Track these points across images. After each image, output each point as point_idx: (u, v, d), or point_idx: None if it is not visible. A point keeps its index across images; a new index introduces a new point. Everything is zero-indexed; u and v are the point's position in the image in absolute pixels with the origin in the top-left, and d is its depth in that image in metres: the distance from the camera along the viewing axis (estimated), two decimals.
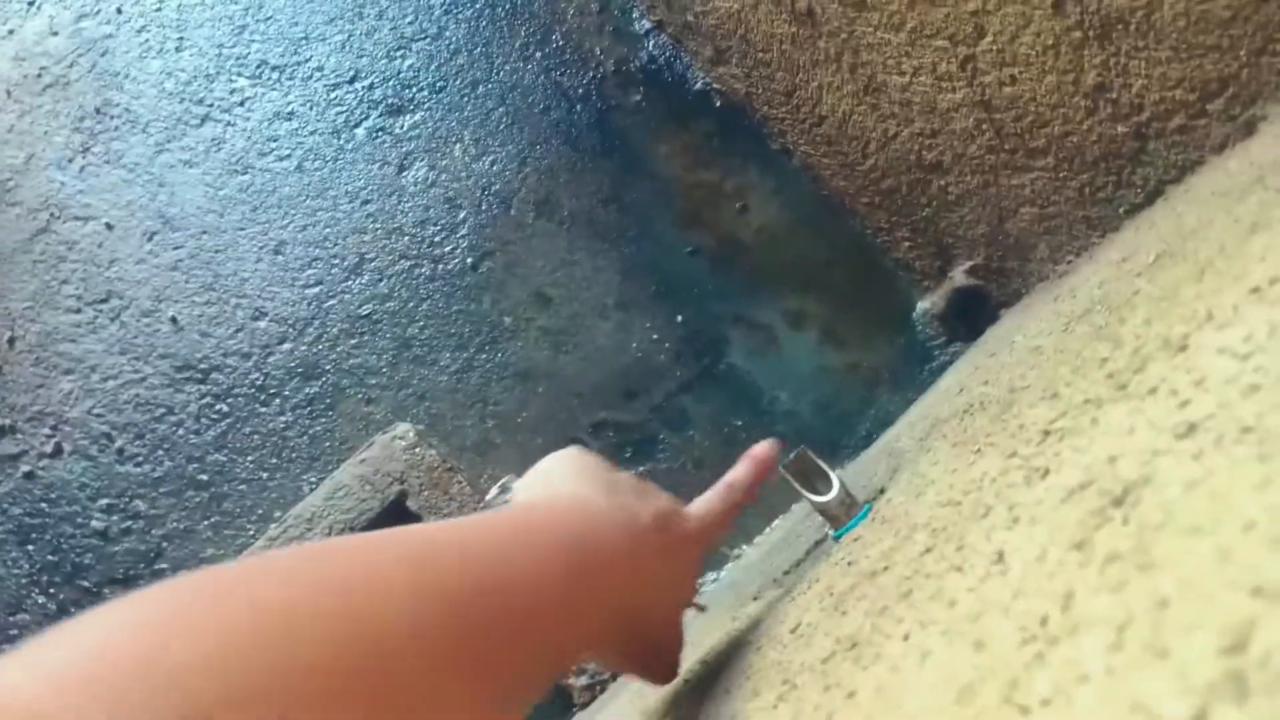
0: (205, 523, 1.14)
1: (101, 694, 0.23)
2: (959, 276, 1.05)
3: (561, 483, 0.50)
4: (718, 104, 1.14)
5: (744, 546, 1.06)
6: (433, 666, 0.31)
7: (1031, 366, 0.58)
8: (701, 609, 0.59)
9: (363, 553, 0.33)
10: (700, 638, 0.71)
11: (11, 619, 1.14)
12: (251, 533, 1.13)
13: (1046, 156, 0.89)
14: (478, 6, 1.19)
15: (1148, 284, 0.52)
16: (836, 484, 0.61)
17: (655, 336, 1.12)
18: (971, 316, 1.06)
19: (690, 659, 0.65)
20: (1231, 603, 0.17)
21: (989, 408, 0.57)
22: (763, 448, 0.62)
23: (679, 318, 1.12)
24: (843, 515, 0.61)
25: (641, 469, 1.09)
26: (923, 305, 1.08)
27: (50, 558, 1.15)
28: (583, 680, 1.00)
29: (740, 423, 1.10)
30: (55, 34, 1.28)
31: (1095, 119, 0.83)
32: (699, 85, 1.15)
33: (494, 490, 0.55)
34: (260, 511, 1.13)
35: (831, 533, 0.62)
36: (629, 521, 0.47)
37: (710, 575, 1.06)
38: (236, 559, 1.11)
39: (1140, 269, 0.59)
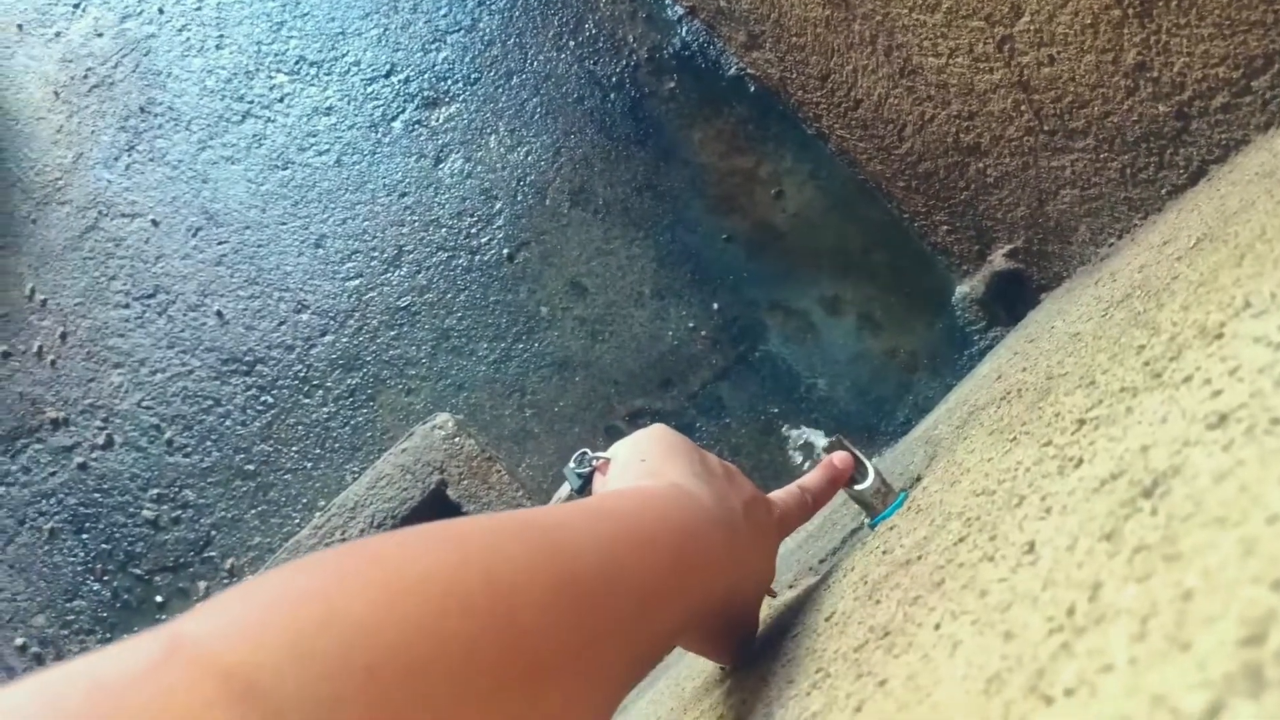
0: (252, 511, 1.17)
1: (290, 644, 0.25)
2: (998, 260, 1.04)
3: (659, 467, 0.50)
4: (752, 89, 1.14)
5: None
6: (560, 650, 0.32)
7: (1070, 353, 0.57)
8: (774, 595, 0.59)
9: (498, 536, 0.34)
10: None
11: (69, 605, 1.18)
12: (297, 521, 1.15)
13: (1086, 137, 0.88)
14: None
15: (1187, 268, 0.51)
16: (872, 472, 0.61)
17: (691, 324, 1.13)
18: (1011, 300, 1.05)
19: None
20: (1252, 595, 0.17)
21: (1026, 395, 0.57)
22: (841, 457, 0.62)
23: (715, 305, 1.12)
24: (878, 503, 0.61)
25: None
26: (961, 289, 1.07)
27: (104, 546, 1.19)
28: None
29: (777, 410, 1.10)
30: (100, 35, 1.31)
31: (1136, 98, 0.82)
32: (733, 71, 1.14)
33: (570, 463, 0.55)
34: (305, 500, 1.16)
35: (867, 521, 0.62)
36: (727, 513, 0.48)
37: None
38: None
39: (1181, 253, 0.58)
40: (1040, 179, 0.95)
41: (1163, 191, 0.86)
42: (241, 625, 0.25)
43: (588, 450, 0.56)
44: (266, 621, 0.25)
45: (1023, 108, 0.90)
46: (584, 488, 0.55)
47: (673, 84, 1.16)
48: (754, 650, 0.55)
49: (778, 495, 0.57)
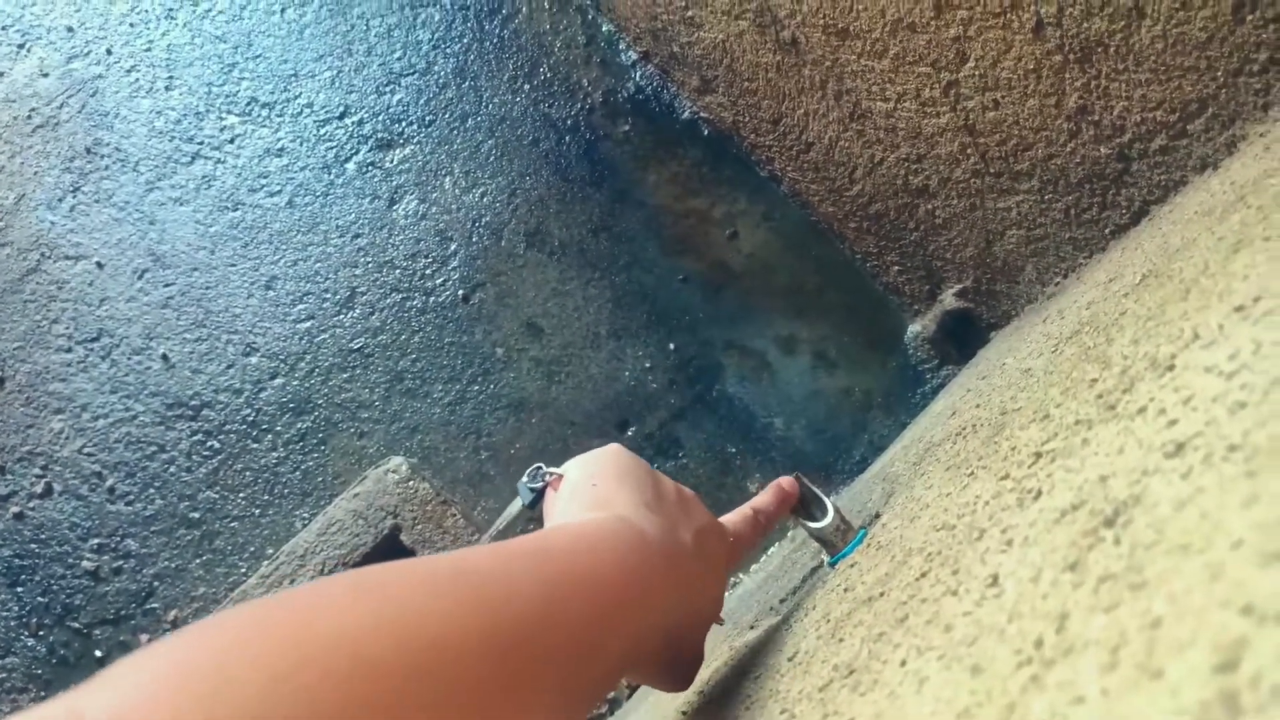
0: (197, 560, 1.13)
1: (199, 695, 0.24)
2: (948, 299, 1.05)
3: (609, 494, 0.49)
4: (705, 132, 1.15)
5: (741, 575, 1.06)
6: (491, 700, 0.32)
7: (1022, 389, 0.58)
8: (721, 623, 0.58)
9: (425, 589, 0.33)
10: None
11: (1, 662, 1.13)
12: (243, 570, 1.12)
13: (1031, 179, 0.90)
14: (465, 41, 1.20)
15: (1135, 304, 0.52)
16: (831, 510, 0.61)
17: (648, 365, 1.12)
18: (962, 339, 1.07)
19: (688, 690, 0.64)
20: (1223, 621, 0.17)
21: (981, 430, 0.57)
22: (789, 481, 0.62)
23: (671, 345, 1.13)
24: (838, 541, 0.61)
25: None
26: (913, 329, 1.09)
27: (40, 599, 1.14)
28: None
29: (734, 449, 1.10)
30: (45, 75, 1.29)
31: (1078, 141, 0.84)
32: (686, 114, 1.16)
33: (524, 477, 0.55)
34: (252, 549, 1.13)
35: (827, 559, 0.62)
36: (673, 546, 0.47)
37: None
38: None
39: (1127, 289, 0.59)
40: (987, 220, 0.97)
41: (1106, 231, 0.89)
42: (132, 701, 0.24)
43: (542, 465, 0.55)
44: (156, 697, 0.24)
45: (969, 151, 0.93)
46: (535, 503, 0.54)
47: (627, 127, 1.17)
48: (713, 692, 0.55)
49: (731, 519, 0.57)
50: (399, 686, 0.28)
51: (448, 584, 0.34)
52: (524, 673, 0.33)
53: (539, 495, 0.54)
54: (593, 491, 0.50)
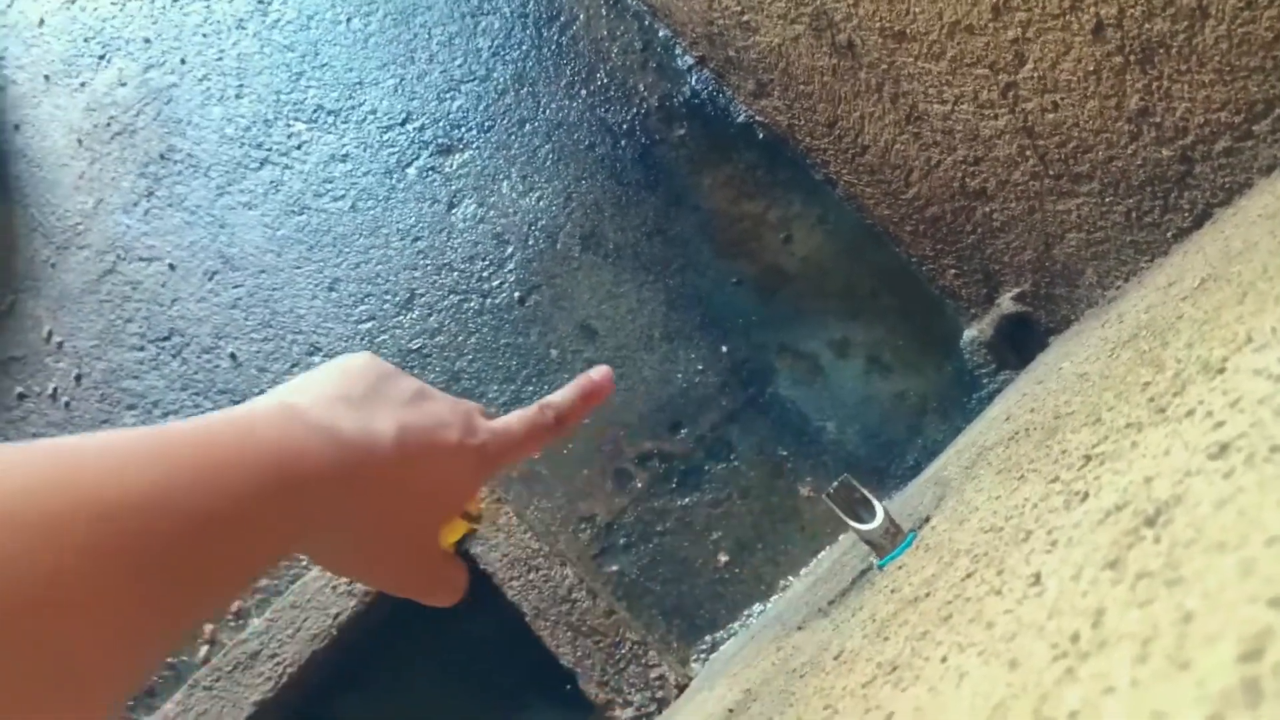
0: None
1: None
2: (1006, 303, 1.04)
3: (313, 394, 0.46)
4: (760, 136, 1.15)
5: (790, 578, 1.06)
6: (91, 586, 0.29)
7: (1077, 393, 0.57)
8: (475, 521, 0.52)
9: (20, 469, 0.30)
10: (743, 669, 0.71)
11: None
12: (304, 563, 1.15)
13: (1091, 182, 0.89)
14: (524, 48, 1.22)
15: (1192, 308, 0.51)
16: (880, 512, 0.61)
17: (701, 367, 1.13)
18: (1020, 343, 1.05)
19: (734, 689, 0.65)
20: (1250, 614, 0.17)
21: (1034, 434, 0.57)
22: (599, 371, 0.54)
23: (724, 348, 1.13)
24: (887, 544, 0.61)
25: (687, 500, 1.09)
26: (970, 333, 1.08)
27: None
28: (628, 713, 1.00)
29: (786, 452, 1.10)
30: (124, 84, 1.34)
31: (1140, 143, 0.83)
32: (741, 118, 1.16)
33: None
34: None
35: (876, 561, 0.62)
36: (353, 437, 0.43)
37: (757, 607, 1.05)
38: None
39: (1186, 293, 0.59)
40: (1046, 223, 0.96)
41: (1168, 234, 0.87)
42: None
43: None
44: None
45: (1028, 153, 0.92)
46: None
47: (682, 131, 1.18)
48: (760, 690, 0.55)
49: (500, 420, 0.51)
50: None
51: (49, 459, 0.31)
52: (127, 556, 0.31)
53: None
54: (303, 386, 0.47)
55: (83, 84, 1.36)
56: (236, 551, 0.37)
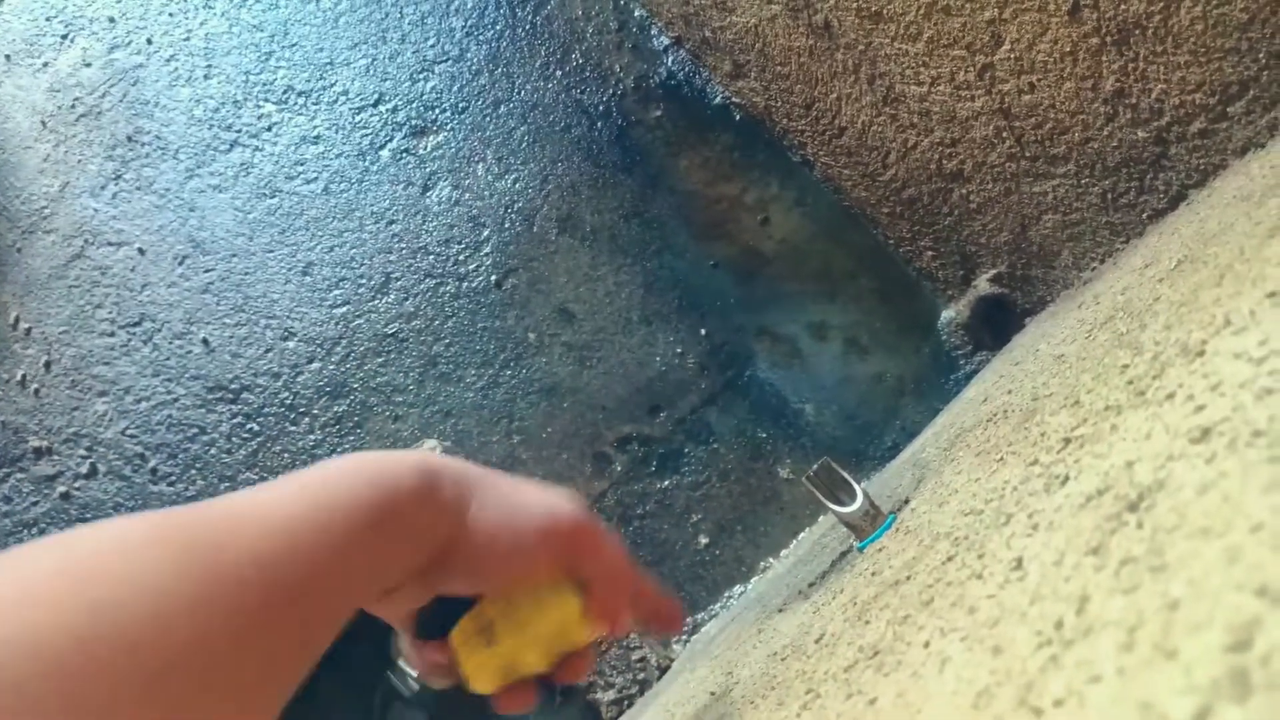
0: None
1: None
2: (983, 285, 1.04)
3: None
4: (737, 118, 1.15)
5: (770, 560, 1.06)
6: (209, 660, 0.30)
7: (1055, 375, 0.58)
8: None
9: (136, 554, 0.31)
10: (725, 650, 0.71)
11: None
12: None
13: (1067, 163, 0.89)
14: (498, 28, 1.21)
15: (1169, 290, 0.52)
16: (860, 495, 0.61)
17: (679, 350, 1.13)
18: (996, 325, 1.06)
19: (716, 671, 0.65)
20: (1237, 602, 0.17)
21: (1012, 416, 0.57)
22: (673, 605, 0.52)
23: (703, 331, 1.13)
24: (867, 526, 0.61)
25: (666, 482, 1.09)
26: (947, 314, 1.08)
27: None
28: (610, 695, 1.00)
29: (765, 435, 1.10)
30: (88, 65, 1.31)
31: (1115, 124, 0.83)
32: (718, 99, 1.16)
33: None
34: None
35: (856, 543, 0.62)
36: (428, 480, 0.45)
37: (737, 588, 1.06)
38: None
39: (1162, 274, 0.59)
40: (1023, 204, 0.96)
41: (1143, 216, 0.87)
42: None
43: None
44: None
45: (1004, 134, 0.92)
46: None
47: (659, 112, 1.17)
48: (741, 673, 0.55)
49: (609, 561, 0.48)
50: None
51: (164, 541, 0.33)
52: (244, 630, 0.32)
53: None
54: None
55: (45, 64, 1.33)
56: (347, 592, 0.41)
